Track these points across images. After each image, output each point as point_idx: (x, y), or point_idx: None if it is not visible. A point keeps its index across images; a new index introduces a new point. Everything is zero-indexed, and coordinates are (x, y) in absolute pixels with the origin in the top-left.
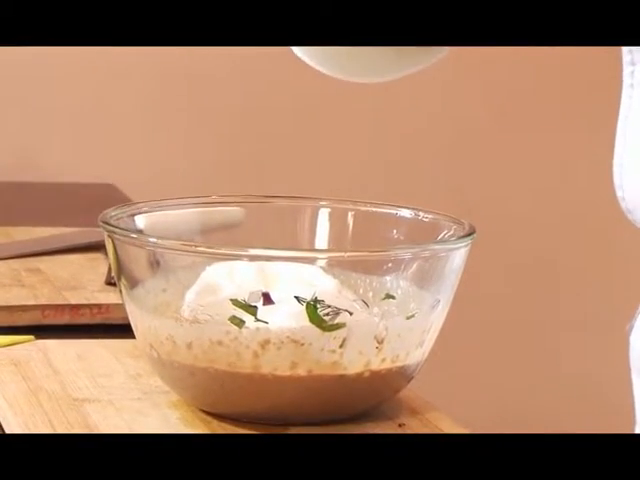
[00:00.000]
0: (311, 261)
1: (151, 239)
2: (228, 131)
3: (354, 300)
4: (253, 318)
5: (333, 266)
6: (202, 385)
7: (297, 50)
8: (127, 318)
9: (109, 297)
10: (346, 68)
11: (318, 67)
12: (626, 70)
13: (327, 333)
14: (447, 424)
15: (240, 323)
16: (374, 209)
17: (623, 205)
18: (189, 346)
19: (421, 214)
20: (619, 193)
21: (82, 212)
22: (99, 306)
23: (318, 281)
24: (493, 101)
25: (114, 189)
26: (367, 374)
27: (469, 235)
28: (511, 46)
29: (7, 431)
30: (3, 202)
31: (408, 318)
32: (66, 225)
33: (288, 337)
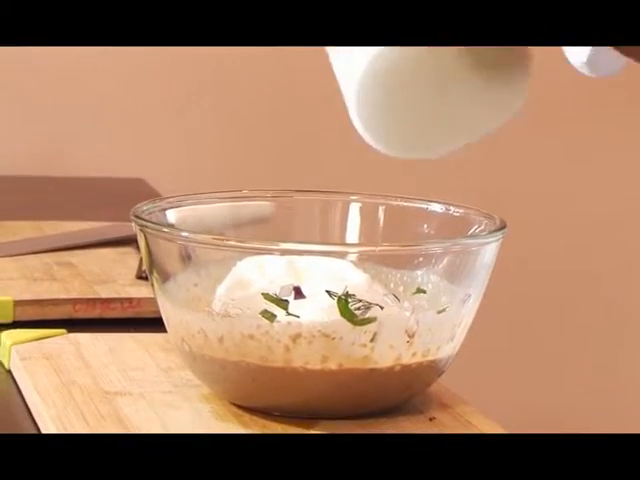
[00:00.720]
0: (342, 255)
1: (183, 233)
2: (258, 126)
3: (385, 294)
4: (284, 312)
5: (364, 260)
6: (233, 379)
7: (360, 129)
8: (158, 312)
9: (140, 291)
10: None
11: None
12: None
13: (358, 327)
14: (478, 418)
15: (271, 317)
16: (405, 203)
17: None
18: (220, 340)
19: (452, 209)
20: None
21: (112, 206)
22: (130, 300)
23: (349, 275)
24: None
25: (144, 184)
26: (398, 368)
27: (500, 230)
28: (547, 46)
29: (39, 424)
30: (34, 196)
31: (439, 312)
32: (96, 219)
33: (319, 331)
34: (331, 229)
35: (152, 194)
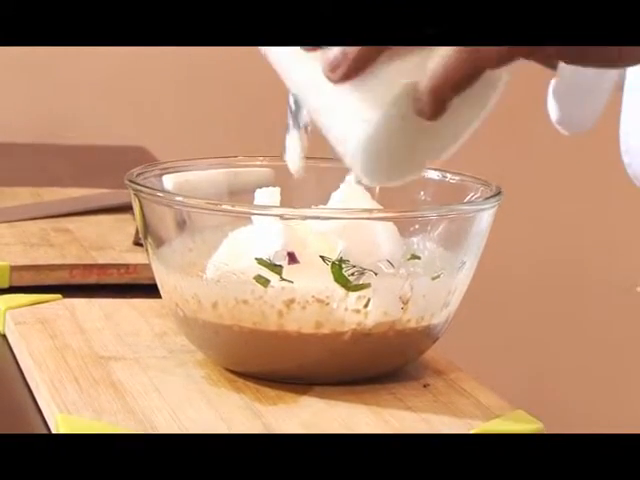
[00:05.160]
0: (338, 221)
1: (177, 198)
2: (258, 94)
3: (379, 260)
4: (278, 277)
5: None
6: (227, 343)
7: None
8: (154, 278)
9: (137, 257)
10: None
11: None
12: None
13: (352, 293)
14: (471, 385)
15: (265, 282)
16: None
17: (630, 171)
18: (214, 305)
19: (448, 176)
20: (625, 159)
21: (112, 174)
22: (127, 266)
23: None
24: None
25: (145, 152)
26: (392, 334)
27: (496, 196)
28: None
29: (32, 387)
30: (34, 163)
31: (434, 279)
32: (96, 187)
33: (313, 297)
34: (328, 196)
35: (153, 162)
